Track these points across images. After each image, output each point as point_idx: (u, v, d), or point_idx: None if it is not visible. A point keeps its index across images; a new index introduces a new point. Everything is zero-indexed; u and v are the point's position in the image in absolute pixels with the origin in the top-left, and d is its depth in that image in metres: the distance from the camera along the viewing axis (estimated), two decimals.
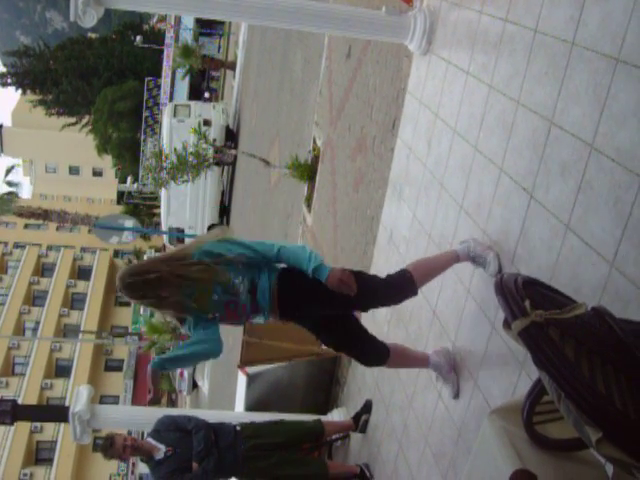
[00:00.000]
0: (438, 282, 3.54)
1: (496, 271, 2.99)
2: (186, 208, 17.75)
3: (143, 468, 22.58)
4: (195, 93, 28.92)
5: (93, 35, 41.51)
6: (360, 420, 4.68)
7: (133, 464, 26.93)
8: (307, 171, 7.58)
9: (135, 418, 5.41)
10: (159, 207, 23.77)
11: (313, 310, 3.14)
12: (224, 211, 18.99)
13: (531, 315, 1.50)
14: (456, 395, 3.35)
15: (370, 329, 3.43)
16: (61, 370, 31.69)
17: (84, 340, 30.14)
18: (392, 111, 4.87)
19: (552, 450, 1.84)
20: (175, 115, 17.12)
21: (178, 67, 25.96)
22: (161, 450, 4.18)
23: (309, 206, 7.59)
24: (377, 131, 5.26)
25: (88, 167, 47.05)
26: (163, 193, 17.50)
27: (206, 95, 28.56)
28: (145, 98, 29.85)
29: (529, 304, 1.53)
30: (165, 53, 28.70)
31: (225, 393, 11.85)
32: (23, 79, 38.53)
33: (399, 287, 3.12)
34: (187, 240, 19.44)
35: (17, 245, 38.87)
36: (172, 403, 29.98)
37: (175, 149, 8.13)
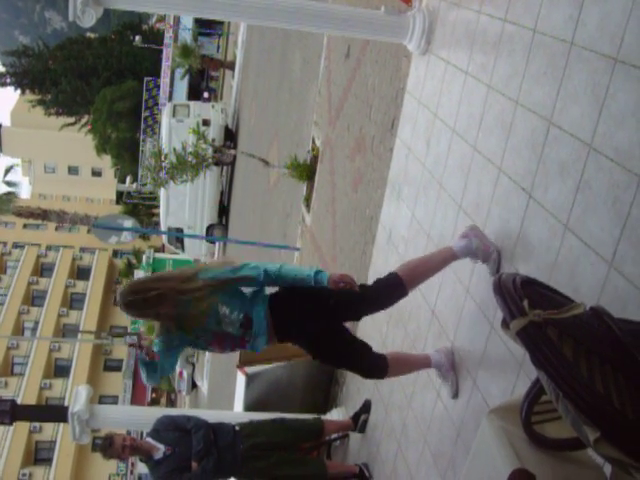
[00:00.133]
0: (437, 282, 3.54)
1: (495, 271, 2.99)
2: (185, 208, 17.74)
3: (142, 468, 22.55)
4: (194, 93, 28.88)
5: (92, 35, 41.46)
6: (359, 420, 4.68)
7: (132, 464, 26.93)
8: (306, 171, 7.58)
9: (134, 418, 5.42)
10: (158, 207, 23.73)
11: (308, 324, 3.21)
12: (223, 211, 18.98)
13: (529, 315, 1.50)
14: (455, 395, 3.35)
15: (369, 329, 3.43)
16: (60, 370, 31.69)
17: (83, 340, 30.13)
18: (391, 111, 4.87)
19: (550, 450, 1.84)
20: (174, 115, 17.10)
21: (177, 67, 26.00)
22: (160, 450, 4.18)
23: (308, 206, 7.59)
24: (376, 131, 5.26)
25: (87, 167, 46.98)
26: (162, 193, 17.47)
27: (205, 95, 28.52)
28: (144, 98, 29.87)
29: (527, 304, 1.53)
30: (164, 53, 28.70)
31: (224, 393, 11.86)
32: (22, 79, 38.51)
33: (386, 291, 3.18)
34: (186, 240, 19.46)
35: (16, 245, 38.87)
36: (171, 403, 30.01)
37: (174, 149, 8.12)
